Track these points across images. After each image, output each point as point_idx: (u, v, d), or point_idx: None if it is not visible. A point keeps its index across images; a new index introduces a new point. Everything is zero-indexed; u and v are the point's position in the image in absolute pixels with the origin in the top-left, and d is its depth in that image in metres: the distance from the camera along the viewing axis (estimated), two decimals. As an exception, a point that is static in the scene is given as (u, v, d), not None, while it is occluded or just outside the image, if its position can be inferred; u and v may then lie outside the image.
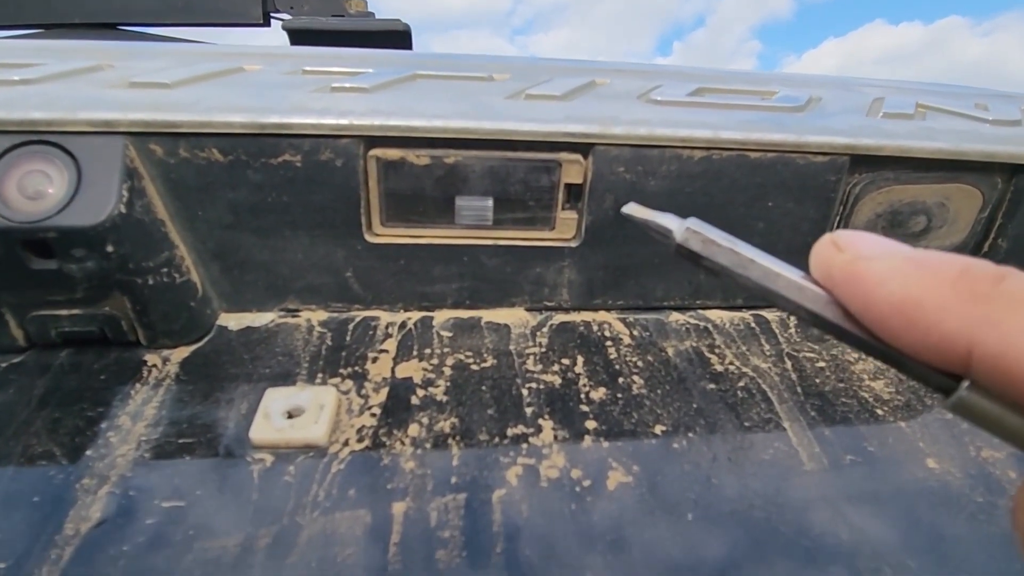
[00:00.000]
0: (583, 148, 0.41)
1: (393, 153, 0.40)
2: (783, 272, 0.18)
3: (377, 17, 1.03)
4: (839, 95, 0.51)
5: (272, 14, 1.02)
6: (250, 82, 0.44)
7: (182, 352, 0.41)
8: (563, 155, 0.41)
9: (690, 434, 0.37)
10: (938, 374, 0.15)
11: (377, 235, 0.43)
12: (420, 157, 0.40)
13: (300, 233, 0.42)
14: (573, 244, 0.45)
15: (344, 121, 0.39)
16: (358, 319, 0.45)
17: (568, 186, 0.42)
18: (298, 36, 0.95)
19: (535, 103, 0.44)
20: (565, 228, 0.44)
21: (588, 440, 0.36)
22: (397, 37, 0.97)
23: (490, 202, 0.42)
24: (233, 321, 0.45)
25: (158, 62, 0.47)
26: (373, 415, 0.38)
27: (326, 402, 0.37)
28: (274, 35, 1.00)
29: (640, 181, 0.42)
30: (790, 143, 0.42)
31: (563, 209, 0.43)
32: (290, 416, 0.37)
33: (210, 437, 0.35)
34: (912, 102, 0.50)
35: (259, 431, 0.35)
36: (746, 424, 0.38)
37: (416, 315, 0.46)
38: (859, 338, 0.16)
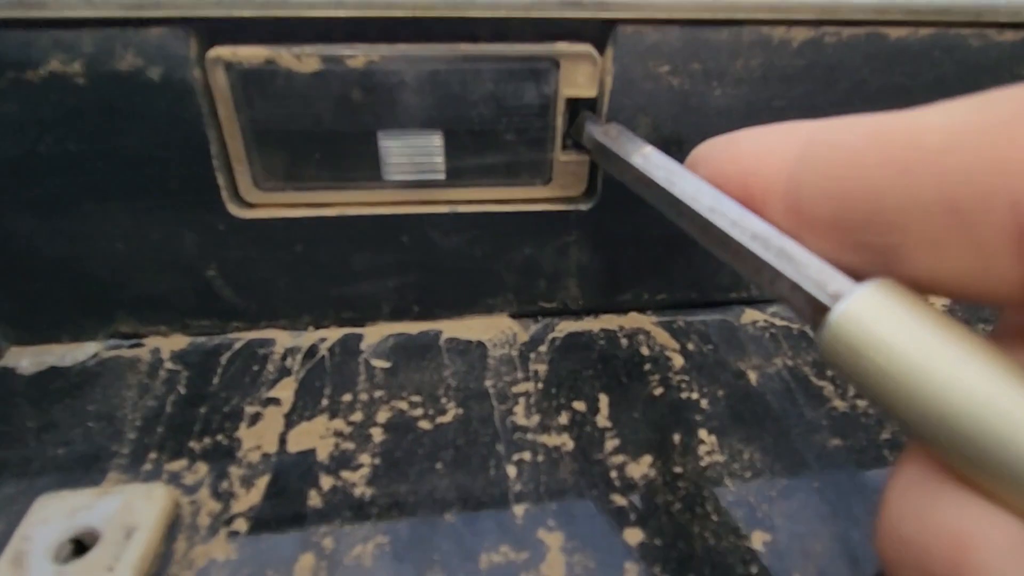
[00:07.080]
0: (597, 32, 0.23)
1: (253, 53, 0.22)
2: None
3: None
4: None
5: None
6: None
7: (-86, 424, 0.24)
8: (562, 46, 0.23)
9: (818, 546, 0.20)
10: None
11: (250, 205, 0.25)
12: (303, 58, 0.22)
13: (113, 206, 0.24)
14: (583, 206, 0.27)
15: (151, -8, 0.21)
16: (239, 345, 0.28)
17: (572, 103, 0.24)
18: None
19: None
20: (569, 179, 0.26)
21: (634, 573, 0.19)
22: None
23: (438, 139, 0.24)
24: (28, 359, 0.27)
25: None
26: (234, 536, 0.20)
27: (143, 519, 0.20)
28: None
29: (697, 89, 0.24)
30: (961, 7, 0.24)
31: (565, 147, 0.25)
32: (76, 551, 0.20)
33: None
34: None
35: (-9, 597, 0.18)
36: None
37: (334, 334, 0.29)
38: None
